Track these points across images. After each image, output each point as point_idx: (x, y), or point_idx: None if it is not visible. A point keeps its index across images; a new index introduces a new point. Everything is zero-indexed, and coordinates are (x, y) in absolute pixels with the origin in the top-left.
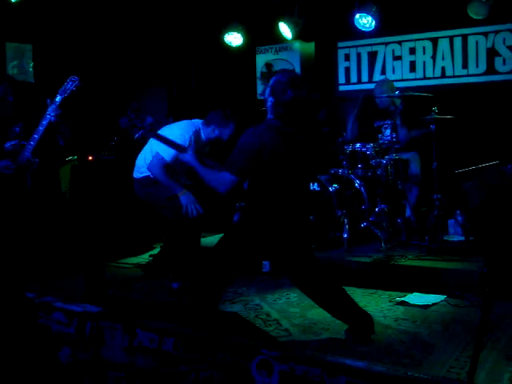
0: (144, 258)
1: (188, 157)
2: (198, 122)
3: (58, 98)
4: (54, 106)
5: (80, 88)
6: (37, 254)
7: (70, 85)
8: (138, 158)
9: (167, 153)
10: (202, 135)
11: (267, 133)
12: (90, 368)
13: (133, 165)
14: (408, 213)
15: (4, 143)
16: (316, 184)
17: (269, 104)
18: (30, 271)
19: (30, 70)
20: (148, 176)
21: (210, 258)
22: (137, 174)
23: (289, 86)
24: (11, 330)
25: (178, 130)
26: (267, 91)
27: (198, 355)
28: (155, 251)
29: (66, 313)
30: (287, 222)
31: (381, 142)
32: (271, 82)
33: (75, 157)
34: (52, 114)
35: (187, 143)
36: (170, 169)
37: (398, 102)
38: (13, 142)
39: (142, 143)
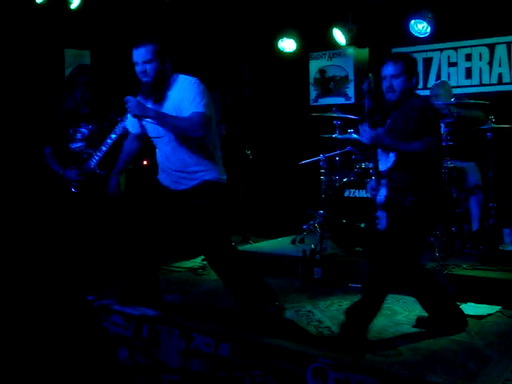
0: (196, 262)
1: None
2: None
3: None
4: (123, 122)
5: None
6: (91, 257)
7: None
8: None
9: None
10: None
11: None
12: (146, 370)
13: None
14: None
15: (70, 143)
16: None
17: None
18: (86, 274)
19: None
20: None
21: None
22: None
23: None
24: (77, 332)
25: None
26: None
27: (253, 361)
28: None
29: (124, 316)
30: None
31: None
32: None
33: None
34: (121, 130)
35: None
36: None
37: (453, 109)
38: (79, 144)
39: None
